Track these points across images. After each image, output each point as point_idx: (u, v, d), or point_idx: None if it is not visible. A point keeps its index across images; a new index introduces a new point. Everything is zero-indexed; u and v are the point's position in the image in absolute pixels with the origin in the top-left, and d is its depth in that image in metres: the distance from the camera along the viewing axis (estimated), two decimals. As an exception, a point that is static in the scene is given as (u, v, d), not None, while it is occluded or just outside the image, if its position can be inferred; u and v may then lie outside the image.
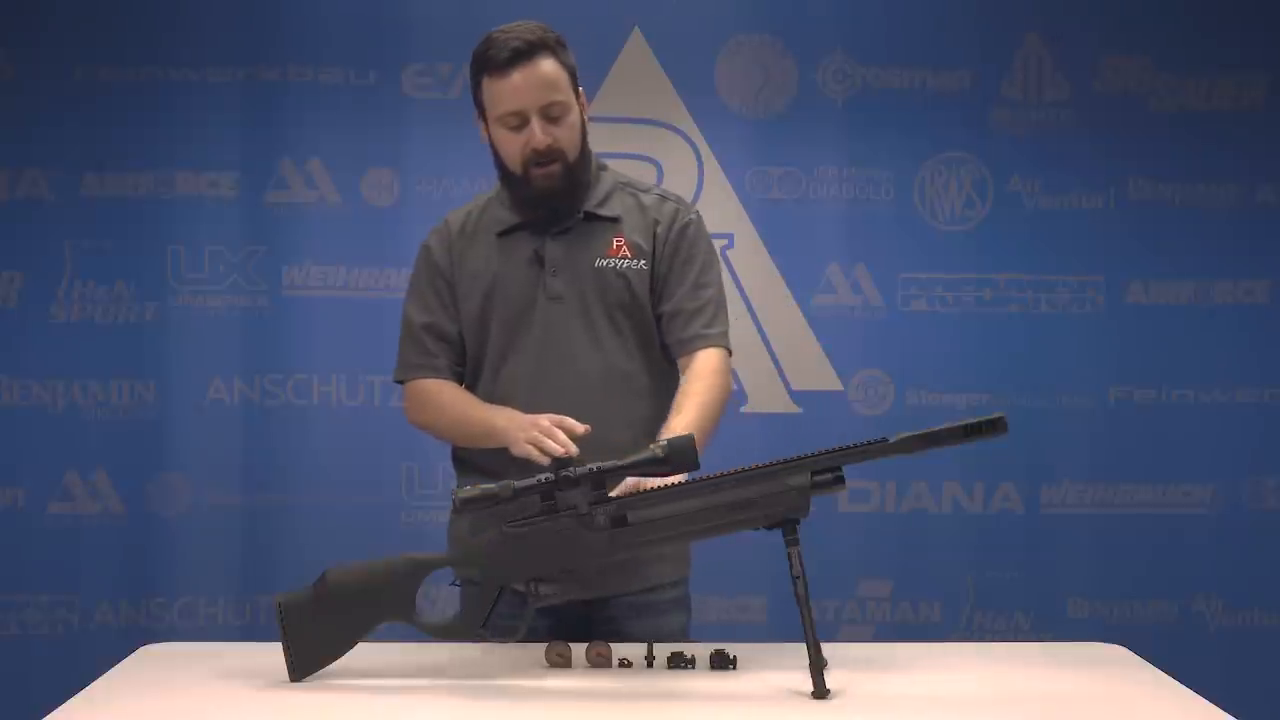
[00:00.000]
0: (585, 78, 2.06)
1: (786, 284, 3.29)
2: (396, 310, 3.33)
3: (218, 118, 3.23)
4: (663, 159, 3.28)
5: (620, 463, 1.70)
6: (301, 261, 3.26)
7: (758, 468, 1.70)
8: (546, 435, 1.89)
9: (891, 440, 1.67)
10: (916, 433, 1.68)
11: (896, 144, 3.31)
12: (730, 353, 2.12)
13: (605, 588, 2.05)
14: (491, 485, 1.70)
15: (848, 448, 1.69)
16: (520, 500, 1.71)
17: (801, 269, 3.32)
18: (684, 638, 2.12)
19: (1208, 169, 3.34)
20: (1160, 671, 1.84)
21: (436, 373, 2.14)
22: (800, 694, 1.66)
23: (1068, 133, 3.32)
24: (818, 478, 1.68)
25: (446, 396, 2.12)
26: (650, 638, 1.92)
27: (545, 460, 1.85)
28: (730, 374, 2.12)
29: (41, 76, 3.20)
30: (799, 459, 1.69)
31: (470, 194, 3.24)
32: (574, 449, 1.86)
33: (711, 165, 3.31)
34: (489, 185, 3.35)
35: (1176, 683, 1.77)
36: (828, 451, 1.69)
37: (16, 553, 3.20)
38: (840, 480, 1.68)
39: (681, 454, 1.68)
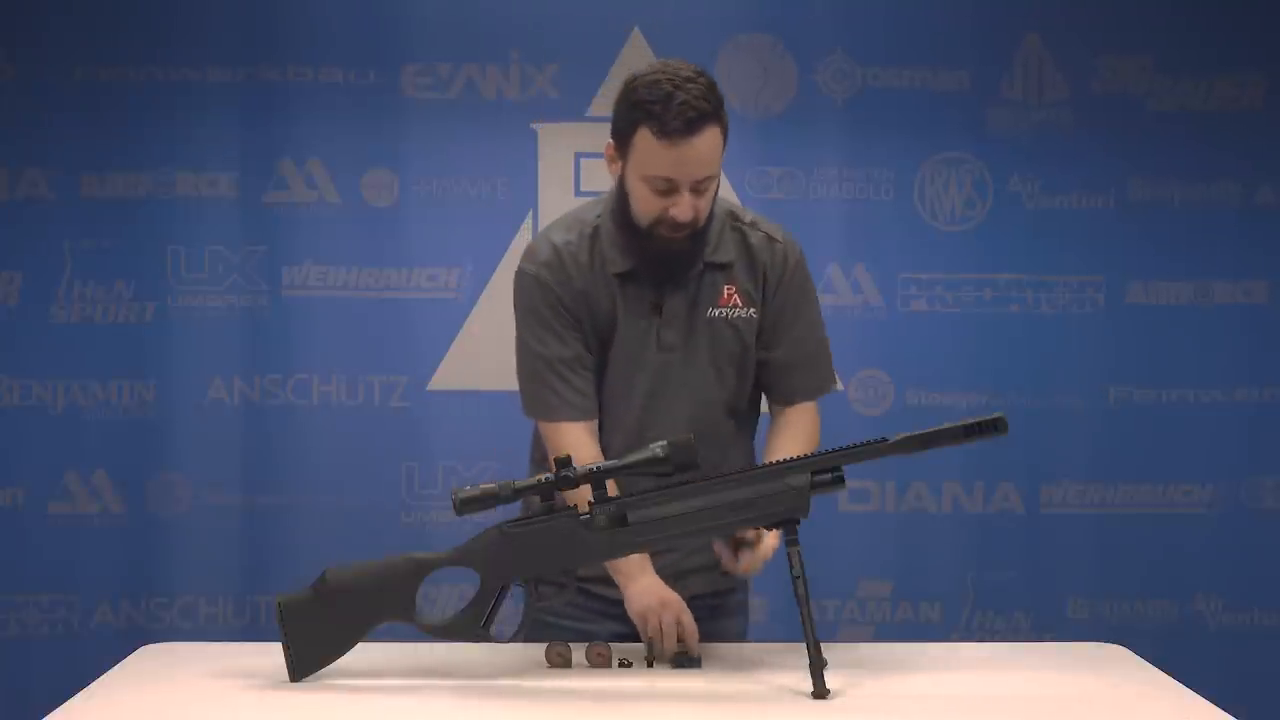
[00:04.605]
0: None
1: (786, 284, 3.27)
2: (396, 310, 3.32)
3: (218, 118, 3.22)
4: (663, 159, 3.27)
5: (620, 462, 1.70)
6: (301, 261, 3.26)
7: (758, 468, 1.71)
8: (662, 635, 1.87)
9: (891, 440, 1.68)
10: (916, 433, 1.68)
11: (896, 144, 3.31)
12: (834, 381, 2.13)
13: (686, 589, 2.03)
14: (491, 485, 1.70)
15: (847, 448, 1.69)
16: (520, 500, 1.72)
17: (801, 269, 3.31)
18: (743, 639, 2.13)
19: (1208, 169, 3.33)
20: (1160, 671, 1.84)
21: (586, 415, 2.01)
22: (800, 694, 1.66)
23: (1068, 133, 3.32)
24: (818, 478, 1.68)
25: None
26: (717, 639, 1.93)
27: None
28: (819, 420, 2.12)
29: (41, 76, 3.20)
30: (799, 459, 1.70)
31: (470, 194, 3.26)
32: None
33: (711, 165, 3.31)
34: (488, 185, 3.34)
35: (1176, 683, 1.78)
36: (827, 452, 1.70)
37: (16, 553, 3.20)
38: (840, 480, 1.69)
39: (682, 454, 1.68)
